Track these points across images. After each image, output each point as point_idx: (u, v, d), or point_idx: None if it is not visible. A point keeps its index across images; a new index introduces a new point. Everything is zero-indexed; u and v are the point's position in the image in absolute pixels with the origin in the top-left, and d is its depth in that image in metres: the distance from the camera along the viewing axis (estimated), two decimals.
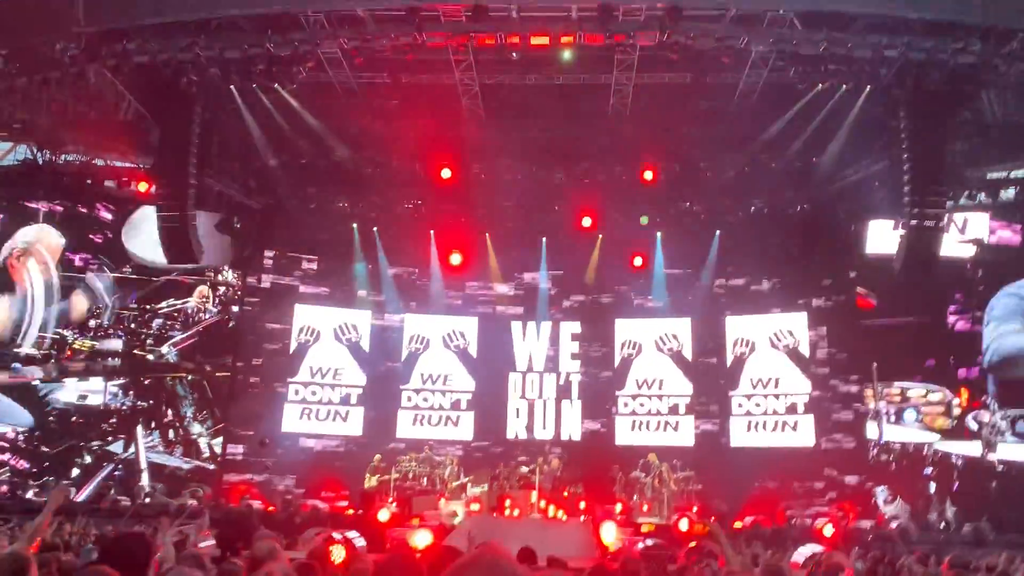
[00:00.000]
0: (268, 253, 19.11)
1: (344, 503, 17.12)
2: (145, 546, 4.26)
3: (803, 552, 9.16)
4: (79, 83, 14.49)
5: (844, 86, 14.20)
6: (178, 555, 5.53)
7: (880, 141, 15.54)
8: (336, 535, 10.58)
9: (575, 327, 20.01)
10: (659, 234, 19.15)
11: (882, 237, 16.31)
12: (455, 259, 19.46)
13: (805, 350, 18.74)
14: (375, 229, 19.28)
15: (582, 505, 16.13)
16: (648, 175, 17.41)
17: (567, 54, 14.37)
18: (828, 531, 14.77)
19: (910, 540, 13.84)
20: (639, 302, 19.82)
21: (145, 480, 17.46)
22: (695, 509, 15.92)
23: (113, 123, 16.73)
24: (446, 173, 17.57)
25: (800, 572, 7.51)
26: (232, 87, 14.73)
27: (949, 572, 6.98)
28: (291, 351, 19.11)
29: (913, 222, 13.98)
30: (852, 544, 12.79)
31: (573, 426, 19.52)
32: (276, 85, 14.77)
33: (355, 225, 19.24)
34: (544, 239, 19.57)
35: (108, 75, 14.05)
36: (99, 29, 12.98)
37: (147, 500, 15.50)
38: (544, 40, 12.92)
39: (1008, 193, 16.85)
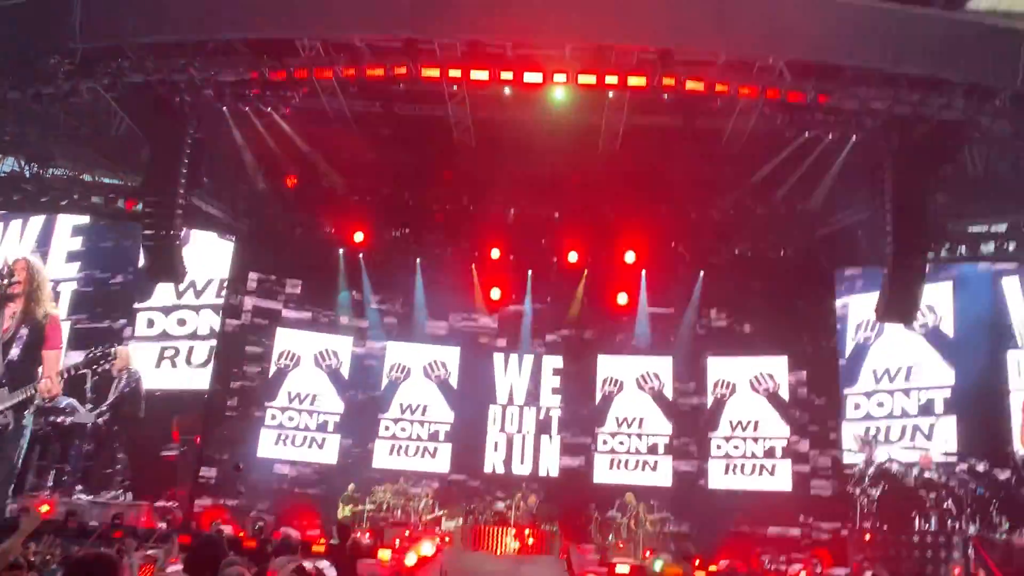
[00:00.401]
0: (252, 275, 19.05)
1: (316, 531, 16.90)
2: (112, 568, 4.20)
3: None
4: (71, 98, 14.45)
5: (830, 135, 14.42)
6: None
7: (864, 191, 15.77)
8: (307, 564, 10.43)
9: (557, 362, 19.99)
10: (644, 272, 19.27)
11: None
12: (441, 289, 19.52)
13: (785, 394, 18.82)
14: (360, 256, 19.29)
15: (557, 543, 15.99)
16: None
17: (560, 95, 14.46)
18: None
19: None
20: (622, 339, 19.86)
21: None
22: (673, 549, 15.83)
23: (103, 139, 16.70)
24: (435, 204, 17.67)
25: None
26: (225, 109, 14.77)
27: None
28: (270, 375, 18.99)
29: (894, 272, 14.20)
30: None
31: (551, 462, 19.41)
32: (269, 109, 14.83)
33: (341, 251, 19.24)
34: (530, 272, 19.62)
35: (101, 91, 14.03)
36: (95, 46, 13.00)
37: (116, 521, 15.20)
38: (538, 78, 13.05)
39: (988, 247, 17.09)
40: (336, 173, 17.66)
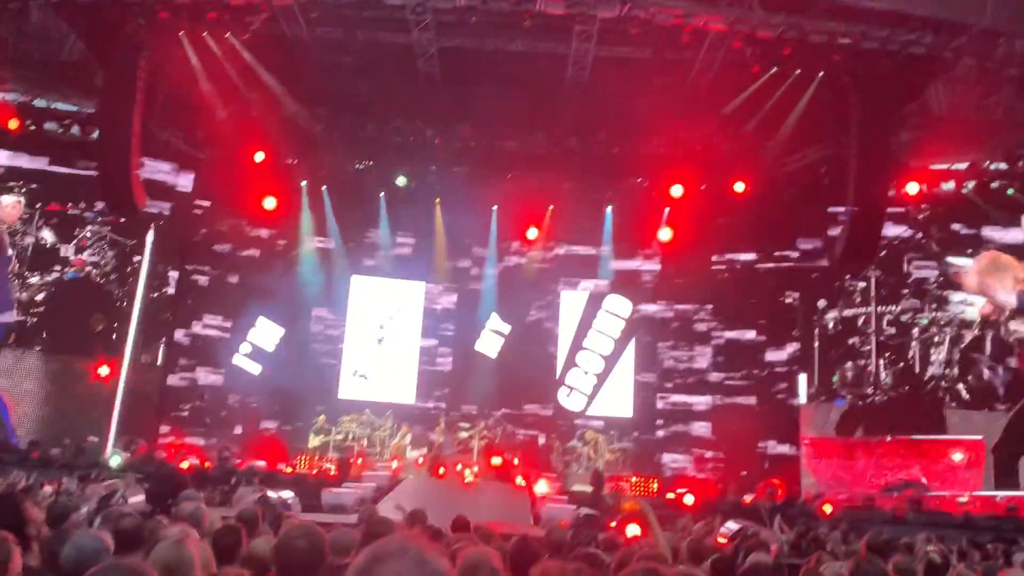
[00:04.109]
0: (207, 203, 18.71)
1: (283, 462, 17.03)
2: (13, 510, 3.99)
3: (730, 527, 9.33)
4: (20, 19, 13.89)
5: (798, 70, 14.35)
6: (103, 510, 5.45)
7: (829, 127, 15.78)
8: (271, 494, 10.54)
9: None
10: (609, 208, 19.21)
11: None
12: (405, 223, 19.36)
13: None
14: (324, 188, 18.98)
15: (519, 473, 16.28)
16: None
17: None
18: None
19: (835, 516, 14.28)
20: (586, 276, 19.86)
21: None
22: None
23: (56, 63, 16.10)
24: (397, 136, 17.36)
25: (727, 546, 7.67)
26: (182, 33, 14.29)
27: (867, 550, 7.22)
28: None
29: (857, 208, 14.34)
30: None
31: None
32: (228, 34, 14.36)
33: (304, 183, 18.90)
34: (496, 207, 19.43)
35: (52, 12, 13.50)
36: None
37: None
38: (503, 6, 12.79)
39: (949, 185, 17.31)
40: (297, 102, 17.23)
